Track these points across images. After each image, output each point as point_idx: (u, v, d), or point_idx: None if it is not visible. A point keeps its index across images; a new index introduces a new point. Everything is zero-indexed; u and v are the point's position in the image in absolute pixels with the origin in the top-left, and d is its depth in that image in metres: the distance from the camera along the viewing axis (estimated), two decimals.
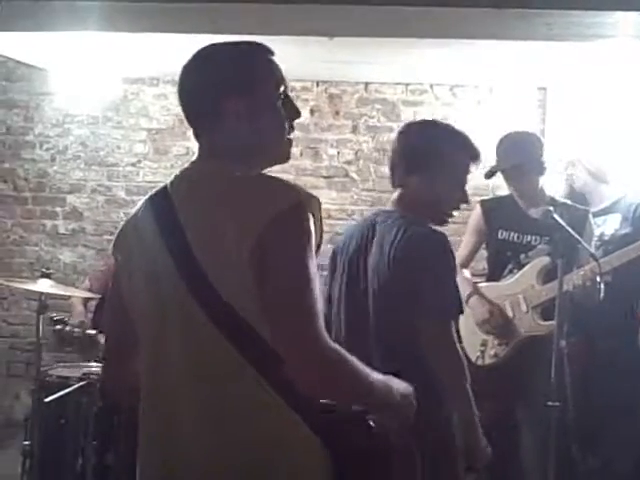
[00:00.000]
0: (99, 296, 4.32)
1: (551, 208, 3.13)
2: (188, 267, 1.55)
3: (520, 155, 3.40)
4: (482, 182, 3.61)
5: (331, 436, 1.56)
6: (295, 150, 5.21)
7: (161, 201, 1.64)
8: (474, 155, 2.46)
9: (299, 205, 1.51)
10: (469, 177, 2.49)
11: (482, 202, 3.66)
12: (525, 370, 3.31)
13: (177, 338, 1.58)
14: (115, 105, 5.34)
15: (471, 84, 5.09)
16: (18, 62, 5.04)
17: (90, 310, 4.51)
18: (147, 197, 1.70)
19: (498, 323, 3.35)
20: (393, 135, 2.61)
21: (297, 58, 4.46)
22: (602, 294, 3.20)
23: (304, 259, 1.50)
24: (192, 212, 1.58)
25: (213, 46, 1.66)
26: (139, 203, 1.72)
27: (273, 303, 1.49)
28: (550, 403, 2.94)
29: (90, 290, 4.31)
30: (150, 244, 1.62)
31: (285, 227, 1.50)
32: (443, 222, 2.47)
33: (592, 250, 3.25)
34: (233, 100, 1.60)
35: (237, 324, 1.52)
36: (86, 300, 4.43)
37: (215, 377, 1.55)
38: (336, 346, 1.52)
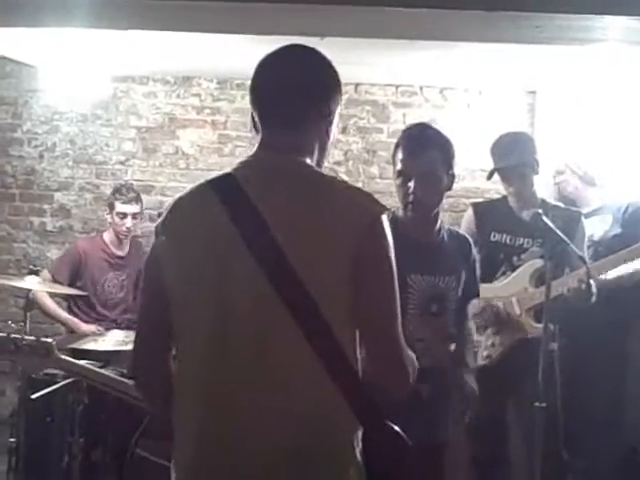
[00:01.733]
0: (85, 293, 4.32)
1: (540, 210, 3.15)
2: (272, 261, 1.56)
3: (518, 155, 3.43)
4: (472, 185, 3.63)
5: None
6: None
7: (230, 189, 1.64)
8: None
9: (385, 215, 1.62)
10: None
11: (474, 205, 3.67)
12: (518, 371, 3.33)
13: (246, 333, 1.58)
14: (104, 103, 5.32)
15: (461, 87, 5.11)
16: (7, 59, 5.02)
17: (61, 305, 4.49)
18: (205, 182, 1.70)
19: (489, 317, 3.36)
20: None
21: None
22: (594, 297, 3.23)
23: (392, 267, 1.60)
24: (275, 206, 1.59)
25: (303, 47, 1.73)
26: (189, 187, 1.72)
27: (365, 309, 1.59)
28: (537, 404, 2.95)
29: (54, 281, 4.29)
30: (218, 230, 1.61)
31: (376, 237, 1.59)
32: None
33: (582, 253, 3.26)
34: (325, 103, 1.70)
35: (319, 325, 1.56)
36: (52, 293, 4.41)
37: (288, 379, 1.58)
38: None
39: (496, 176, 3.53)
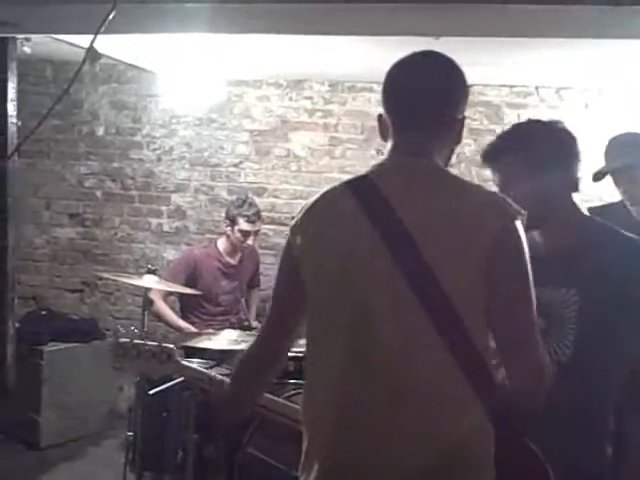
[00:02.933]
0: (200, 292, 4.41)
1: None
2: (412, 263, 1.59)
3: (629, 155, 3.28)
4: (590, 189, 3.49)
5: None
6: None
7: (369, 191, 1.68)
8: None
9: (520, 219, 1.65)
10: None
11: (590, 209, 3.54)
12: None
13: (384, 336, 1.60)
14: (219, 107, 5.44)
15: (579, 86, 4.95)
16: (128, 65, 5.20)
17: (171, 306, 4.61)
18: (342, 184, 1.75)
19: None
20: None
21: (398, 59, 4.45)
22: None
23: (528, 270, 1.62)
24: (414, 209, 1.63)
25: (436, 53, 1.78)
26: (325, 189, 1.78)
27: (501, 312, 1.62)
28: None
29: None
30: (357, 232, 1.65)
31: (511, 240, 1.61)
32: None
33: None
34: (458, 107, 1.75)
35: (460, 332, 1.58)
36: (166, 296, 4.52)
37: (428, 391, 1.59)
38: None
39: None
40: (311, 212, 1.76)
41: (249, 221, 4.50)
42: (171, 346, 2.93)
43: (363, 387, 1.62)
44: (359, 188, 1.70)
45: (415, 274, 1.58)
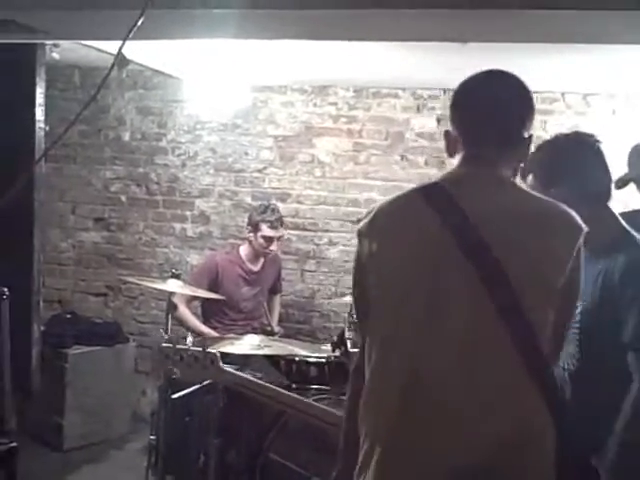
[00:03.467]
0: (223, 297, 4.42)
1: None
2: (488, 270, 1.68)
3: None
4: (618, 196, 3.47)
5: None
6: (420, 159, 5.21)
7: (441, 197, 1.77)
8: None
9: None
10: None
11: (620, 215, 3.51)
12: None
13: (455, 338, 1.69)
14: (244, 112, 5.46)
15: (606, 92, 4.91)
16: (155, 71, 5.23)
17: (193, 311, 4.62)
18: (413, 190, 1.84)
19: None
20: None
21: (424, 65, 4.43)
22: None
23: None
24: (487, 218, 1.71)
25: (505, 72, 1.87)
26: (392, 195, 1.87)
27: (567, 321, 1.81)
28: None
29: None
30: (430, 237, 1.74)
31: (580, 253, 1.76)
32: None
33: None
34: (528, 123, 1.86)
35: (526, 332, 1.68)
36: (189, 301, 4.53)
37: (494, 397, 1.68)
38: None
39: None
40: (380, 216, 1.83)
41: (272, 227, 4.50)
42: (215, 351, 2.95)
43: (427, 395, 1.70)
44: (431, 194, 1.79)
45: (491, 278, 1.67)
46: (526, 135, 1.84)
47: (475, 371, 1.68)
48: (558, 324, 1.76)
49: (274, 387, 3.08)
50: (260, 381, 3.16)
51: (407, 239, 1.77)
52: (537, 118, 5.31)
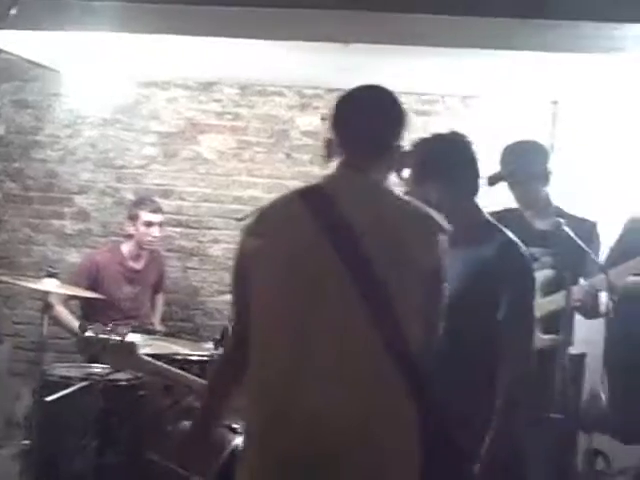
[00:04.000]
0: (102, 297, 4.31)
1: (561, 219, 3.15)
2: (353, 258, 1.84)
3: (516, 162, 3.44)
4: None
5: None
6: (305, 157, 5.23)
7: (319, 200, 1.94)
8: None
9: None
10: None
11: (491, 214, 3.64)
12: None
13: (329, 332, 1.83)
14: (126, 107, 5.34)
15: (484, 95, 5.07)
16: (32, 62, 5.05)
17: (74, 310, 4.50)
18: (294, 192, 2.00)
19: None
20: None
21: (309, 64, 4.46)
22: (607, 307, 3.26)
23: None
24: (364, 220, 1.88)
25: (380, 87, 2.08)
26: (277, 196, 2.03)
27: (435, 308, 1.96)
28: (553, 415, 2.93)
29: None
30: (307, 238, 1.89)
31: (442, 246, 1.94)
32: None
33: (600, 263, 3.29)
34: (401, 132, 2.06)
35: (397, 330, 1.83)
36: (66, 301, 4.42)
37: (361, 377, 1.82)
38: None
39: None
40: (263, 218, 1.99)
41: (152, 211, 4.50)
42: (133, 341, 2.96)
43: (303, 385, 1.82)
44: (309, 196, 1.96)
45: (356, 270, 1.83)
46: (395, 145, 2.04)
47: (342, 365, 1.81)
48: (428, 312, 1.91)
49: (193, 377, 3.07)
50: (180, 371, 3.15)
51: (284, 241, 1.91)
52: (418, 119, 5.45)
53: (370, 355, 1.82)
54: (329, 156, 2.07)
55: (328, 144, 2.07)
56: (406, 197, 2.10)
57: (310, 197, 1.96)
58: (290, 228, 1.93)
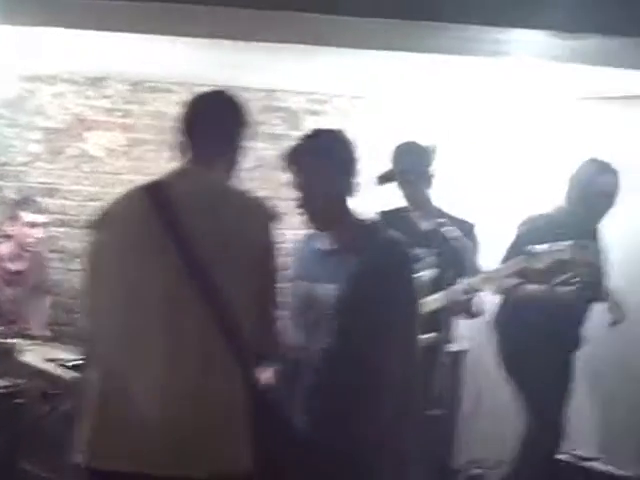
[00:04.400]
0: None
1: (442, 220, 3.25)
2: (190, 261, 1.98)
3: (407, 162, 3.55)
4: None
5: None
6: None
7: (160, 194, 2.09)
8: None
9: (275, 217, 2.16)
10: None
11: (380, 213, 3.69)
12: None
13: (163, 315, 1.98)
14: (10, 102, 5.13)
15: (371, 95, 5.14)
16: None
17: None
18: (138, 187, 2.15)
19: None
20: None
21: (199, 61, 4.42)
22: (482, 307, 3.44)
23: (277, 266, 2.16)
24: (196, 212, 2.04)
25: (225, 92, 2.33)
26: (124, 191, 2.18)
27: (263, 298, 2.09)
28: (431, 412, 2.99)
29: None
30: (147, 231, 2.04)
31: (272, 236, 2.11)
32: None
33: (479, 263, 3.42)
34: (243, 132, 2.28)
35: (227, 312, 1.97)
36: None
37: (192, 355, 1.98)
38: None
39: None
40: (106, 212, 2.13)
41: (35, 211, 4.41)
42: (11, 341, 2.89)
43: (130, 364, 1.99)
44: (150, 188, 2.12)
45: (192, 263, 1.97)
46: (238, 144, 2.26)
47: (175, 344, 1.97)
48: (261, 295, 2.07)
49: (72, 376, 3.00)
50: (58, 371, 3.08)
51: (123, 233, 2.07)
52: (309, 118, 5.48)
53: (201, 335, 1.97)
54: (181, 152, 2.25)
55: (180, 141, 2.25)
56: (243, 190, 2.25)
57: (152, 191, 2.11)
58: (130, 221, 2.08)
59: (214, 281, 1.98)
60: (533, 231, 3.67)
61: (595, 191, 3.71)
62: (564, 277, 3.46)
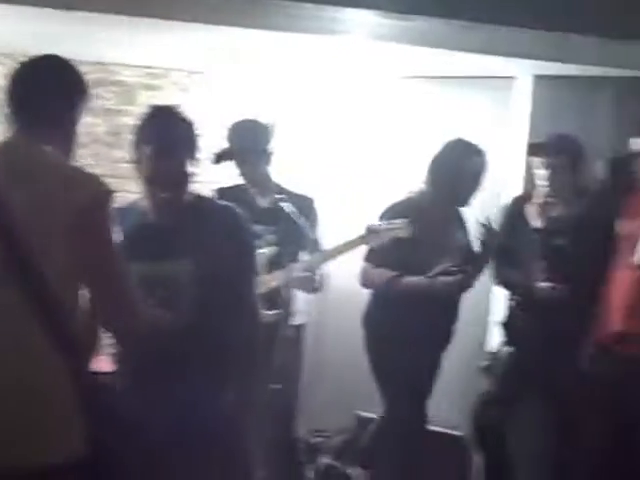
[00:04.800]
0: None
1: (279, 196, 3.27)
2: (8, 231, 1.88)
3: (244, 140, 3.53)
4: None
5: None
6: None
7: None
8: None
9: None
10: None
11: (217, 190, 3.66)
12: None
13: None
14: None
15: (209, 71, 5.08)
16: None
17: None
18: None
19: None
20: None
21: (28, 33, 4.17)
22: (321, 283, 3.47)
23: (112, 241, 2.04)
24: (10, 183, 1.93)
25: (53, 56, 2.15)
26: None
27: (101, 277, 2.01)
28: (273, 386, 3.04)
29: None
30: None
31: (102, 210, 1.99)
32: None
33: (318, 239, 3.48)
34: (72, 99, 2.15)
35: (43, 288, 1.88)
36: None
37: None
38: None
39: None
40: None
41: None
42: None
43: None
44: None
45: (8, 238, 1.87)
46: (67, 115, 2.12)
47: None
48: (83, 265, 1.96)
49: None
50: None
51: None
52: (143, 93, 5.31)
53: (13, 314, 1.89)
54: (9, 126, 2.12)
55: (6, 114, 2.13)
56: (69, 164, 2.14)
57: None
58: None
59: (28, 257, 1.87)
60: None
61: (462, 173, 3.56)
62: (442, 267, 3.44)
